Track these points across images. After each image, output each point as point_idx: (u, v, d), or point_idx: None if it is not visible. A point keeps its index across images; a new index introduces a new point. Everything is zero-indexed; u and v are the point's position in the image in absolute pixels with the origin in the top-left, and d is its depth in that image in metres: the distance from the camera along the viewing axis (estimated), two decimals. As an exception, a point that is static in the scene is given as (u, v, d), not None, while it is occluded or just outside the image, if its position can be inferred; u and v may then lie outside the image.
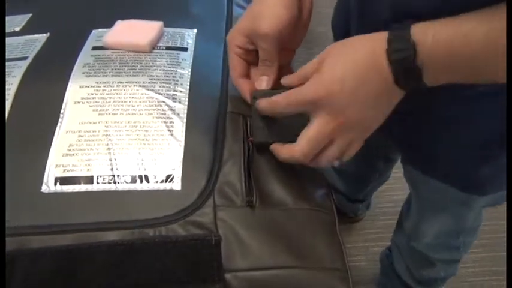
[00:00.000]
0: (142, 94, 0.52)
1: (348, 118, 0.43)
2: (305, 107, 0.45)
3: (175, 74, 0.55)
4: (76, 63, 0.55)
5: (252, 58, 0.52)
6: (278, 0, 0.49)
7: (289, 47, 0.54)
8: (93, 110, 0.50)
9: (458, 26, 0.39)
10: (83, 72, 0.54)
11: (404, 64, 0.41)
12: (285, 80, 0.49)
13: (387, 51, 0.41)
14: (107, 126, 0.49)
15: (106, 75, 0.54)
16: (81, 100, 0.51)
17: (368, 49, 0.43)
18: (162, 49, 0.58)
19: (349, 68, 0.43)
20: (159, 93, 0.52)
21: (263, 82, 0.52)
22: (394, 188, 1.31)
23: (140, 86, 0.53)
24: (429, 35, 0.39)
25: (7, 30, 0.62)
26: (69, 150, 0.47)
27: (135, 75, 0.54)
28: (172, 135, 0.49)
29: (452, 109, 0.54)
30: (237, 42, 0.51)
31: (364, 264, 1.27)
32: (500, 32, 0.36)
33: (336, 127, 0.44)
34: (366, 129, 0.46)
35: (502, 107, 0.52)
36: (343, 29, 0.64)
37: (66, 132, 0.49)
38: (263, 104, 0.48)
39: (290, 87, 0.47)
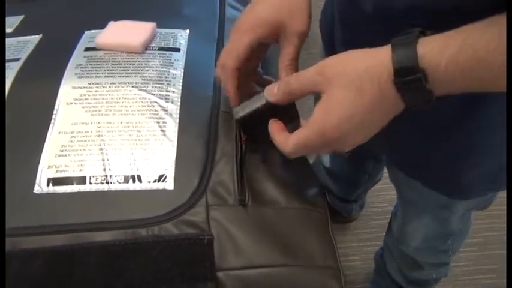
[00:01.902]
0: (135, 95, 0.52)
1: (348, 141, 0.43)
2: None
3: (168, 74, 0.55)
4: (68, 65, 0.55)
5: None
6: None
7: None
8: (86, 111, 0.50)
9: (464, 39, 0.37)
10: (76, 73, 0.54)
11: (415, 91, 0.39)
12: (271, 96, 0.47)
13: (395, 83, 0.39)
14: (99, 127, 0.49)
15: (99, 76, 0.54)
16: (74, 101, 0.51)
17: (374, 81, 0.40)
18: (155, 50, 0.58)
19: (356, 103, 0.41)
20: (151, 94, 0.52)
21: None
22: (388, 187, 1.32)
23: (133, 86, 0.53)
24: (442, 60, 0.38)
25: (-1, 31, 0.62)
26: (62, 151, 0.47)
27: (127, 76, 0.54)
28: (165, 135, 0.49)
29: (435, 117, 0.54)
30: (261, 33, 0.49)
31: (358, 264, 1.27)
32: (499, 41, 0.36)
33: (331, 142, 0.43)
34: (363, 139, 0.45)
35: (486, 116, 0.52)
36: (328, 29, 0.65)
37: (59, 133, 0.49)
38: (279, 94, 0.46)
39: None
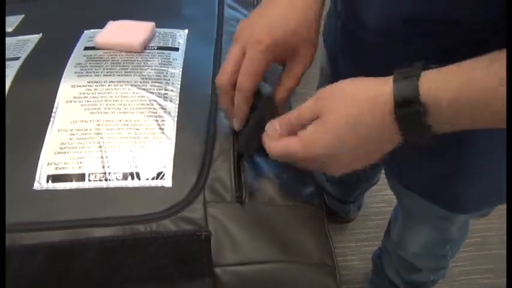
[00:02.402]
0: (134, 93, 0.53)
1: (337, 166, 0.43)
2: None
3: (167, 73, 0.55)
4: (68, 63, 0.56)
5: None
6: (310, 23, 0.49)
7: None
8: (85, 109, 0.51)
9: (466, 76, 0.37)
10: (75, 72, 0.54)
11: (414, 125, 0.39)
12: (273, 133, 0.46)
13: (395, 114, 0.39)
14: (98, 125, 0.50)
15: (98, 75, 0.54)
16: (73, 99, 0.52)
17: (373, 112, 0.40)
18: (154, 49, 0.59)
19: (351, 130, 0.41)
20: (150, 92, 0.53)
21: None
22: (386, 188, 1.31)
23: (132, 85, 0.53)
24: (443, 96, 0.37)
25: (-1, 30, 0.63)
26: (61, 148, 0.48)
27: (126, 75, 0.54)
28: (163, 133, 0.50)
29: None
30: (277, 52, 0.47)
31: (356, 264, 1.27)
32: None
33: (319, 161, 0.43)
34: (354, 167, 0.44)
35: (484, 135, 0.50)
36: (331, 39, 0.65)
37: (58, 130, 0.49)
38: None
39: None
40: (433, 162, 0.59)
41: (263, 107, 0.49)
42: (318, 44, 0.50)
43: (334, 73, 0.72)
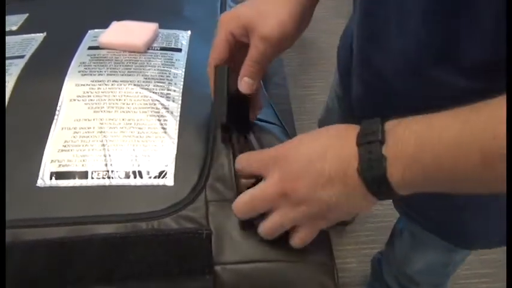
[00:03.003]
0: (137, 93, 0.53)
1: (297, 190, 0.40)
2: (259, 164, 0.44)
3: (169, 73, 0.56)
4: (72, 62, 0.56)
5: (236, 50, 0.51)
6: (286, 9, 0.48)
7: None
8: (89, 108, 0.52)
9: (431, 123, 0.36)
10: (79, 71, 0.55)
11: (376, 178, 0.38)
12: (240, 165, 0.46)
13: (358, 169, 0.38)
14: (101, 124, 0.50)
15: (101, 74, 0.55)
16: (77, 98, 0.52)
17: (339, 158, 0.39)
18: (157, 49, 0.59)
19: (315, 148, 0.41)
20: (153, 92, 0.53)
21: (247, 85, 0.49)
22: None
23: (135, 85, 0.54)
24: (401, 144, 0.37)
25: (4, 29, 0.64)
26: (65, 146, 0.49)
27: (130, 75, 0.55)
28: (165, 132, 0.50)
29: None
30: (233, 29, 0.49)
31: (355, 266, 1.28)
32: (473, 134, 0.34)
33: (280, 193, 0.41)
34: (317, 216, 0.42)
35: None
36: (345, 54, 0.65)
37: (62, 128, 0.50)
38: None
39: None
40: (439, 198, 0.59)
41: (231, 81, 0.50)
42: (279, 24, 0.48)
43: (345, 92, 0.71)
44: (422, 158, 0.36)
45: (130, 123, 0.51)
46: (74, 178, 0.47)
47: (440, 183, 0.38)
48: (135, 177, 0.47)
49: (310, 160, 0.40)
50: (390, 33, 0.47)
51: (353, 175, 0.38)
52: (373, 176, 0.37)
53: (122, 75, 0.55)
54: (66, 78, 0.54)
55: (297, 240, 0.44)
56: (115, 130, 0.50)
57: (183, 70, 0.57)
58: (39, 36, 0.62)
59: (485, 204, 0.57)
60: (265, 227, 0.43)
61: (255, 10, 0.48)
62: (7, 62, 0.57)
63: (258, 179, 0.44)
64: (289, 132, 0.59)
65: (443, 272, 0.86)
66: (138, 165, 0.48)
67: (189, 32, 0.63)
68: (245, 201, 0.44)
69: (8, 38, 0.61)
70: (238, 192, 0.47)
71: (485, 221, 0.59)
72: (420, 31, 0.44)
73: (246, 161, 0.45)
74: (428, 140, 0.36)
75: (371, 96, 0.57)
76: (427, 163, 0.36)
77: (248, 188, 0.44)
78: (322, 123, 0.87)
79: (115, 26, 0.61)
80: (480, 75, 0.42)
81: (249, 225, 0.45)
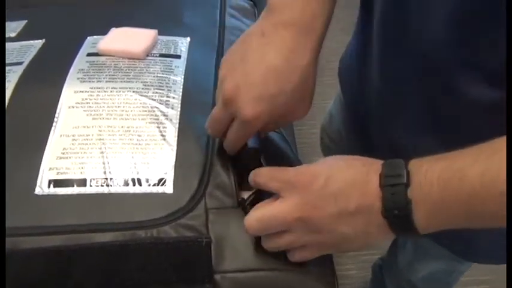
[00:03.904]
0: (136, 100, 0.53)
1: (317, 219, 0.40)
2: (282, 183, 0.42)
3: (169, 80, 0.56)
4: (71, 69, 0.56)
5: None
6: (311, 74, 0.45)
7: None
8: (87, 115, 0.51)
9: (453, 163, 0.36)
10: (78, 78, 0.55)
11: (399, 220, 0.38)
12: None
13: (382, 210, 0.38)
14: (100, 131, 0.50)
15: (100, 81, 0.55)
16: (76, 105, 0.52)
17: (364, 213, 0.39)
18: (156, 56, 0.59)
19: (341, 180, 0.40)
20: (152, 99, 0.53)
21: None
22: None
23: (134, 91, 0.54)
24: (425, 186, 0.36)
25: (2, 36, 0.63)
26: (63, 153, 0.48)
27: (129, 81, 0.55)
28: (164, 140, 0.50)
29: None
30: (264, 125, 0.45)
31: (354, 273, 1.27)
32: (497, 172, 0.33)
33: (298, 218, 0.40)
34: (330, 245, 0.42)
35: None
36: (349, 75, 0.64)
37: (61, 135, 0.50)
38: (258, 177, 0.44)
39: None
40: None
41: (247, 159, 0.48)
42: (313, 90, 0.47)
43: (350, 103, 0.71)
44: (446, 201, 0.36)
45: (129, 131, 0.50)
46: (73, 186, 0.46)
47: (468, 223, 0.37)
48: (134, 185, 0.47)
49: (335, 192, 0.39)
50: (409, 39, 0.47)
51: (377, 214, 0.38)
52: (398, 218, 0.37)
53: (121, 82, 0.55)
54: (65, 85, 0.54)
55: (298, 257, 0.43)
56: (114, 137, 0.50)
57: (182, 77, 0.57)
58: (38, 43, 0.61)
59: None
60: (274, 243, 0.42)
61: (291, 102, 0.44)
62: (6, 68, 0.57)
63: (258, 191, 0.43)
64: (288, 139, 0.59)
65: (446, 280, 0.86)
66: (137, 173, 0.47)
67: (188, 39, 0.63)
68: (259, 219, 0.42)
69: (6, 45, 0.61)
70: (238, 202, 0.47)
71: (494, 234, 0.59)
72: (441, 37, 0.43)
73: (268, 177, 0.43)
74: (452, 184, 0.35)
75: (384, 110, 0.57)
76: (451, 206, 0.36)
77: (248, 198, 0.44)
78: (324, 130, 0.87)
79: (114, 32, 0.61)
80: (498, 83, 0.41)
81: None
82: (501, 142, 0.34)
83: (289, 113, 0.46)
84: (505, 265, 0.36)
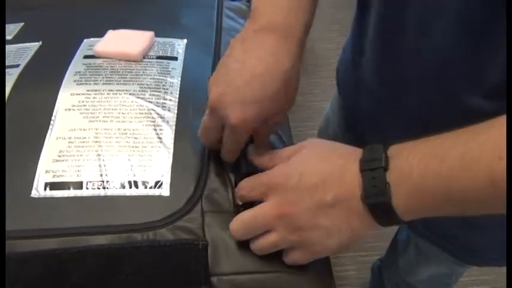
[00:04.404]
0: (133, 102, 0.53)
1: (296, 215, 0.40)
2: (261, 189, 0.43)
3: (165, 82, 0.56)
4: (67, 72, 0.56)
5: None
6: (294, 73, 0.45)
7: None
8: (84, 117, 0.51)
9: (434, 145, 0.36)
10: (74, 80, 0.55)
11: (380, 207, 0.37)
12: (258, 161, 0.47)
13: (361, 196, 0.38)
14: (97, 133, 0.50)
15: (97, 83, 0.55)
16: (72, 107, 0.52)
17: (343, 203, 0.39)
18: (153, 58, 0.59)
19: (318, 172, 0.40)
20: (149, 101, 0.53)
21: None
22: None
23: (130, 94, 0.54)
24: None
25: (-1, 38, 0.63)
26: (60, 156, 0.48)
27: (125, 84, 0.55)
28: (161, 142, 0.50)
29: None
30: (256, 127, 0.46)
31: (353, 274, 1.27)
32: (479, 155, 0.33)
33: (278, 215, 0.40)
34: (315, 242, 0.41)
35: None
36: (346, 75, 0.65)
37: (57, 138, 0.49)
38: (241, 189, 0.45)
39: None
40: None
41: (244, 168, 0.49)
42: (297, 89, 0.47)
43: (346, 108, 0.71)
44: (427, 183, 0.35)
45: (126, 133, 0.50)
46: (69, 188, 0.46)
47: (449, 208, 0.37)
48: (130, 187, 0.47)
49: (310, 187, 0.40)
50: (407, 44, 0.47)
51: (357, 202, 0.38)
52: (378, 203, 0.37)
53: (118, 84, 0.55)
54: (61, 88, 0.54)
55: (290, 260, 0.43)
56: (110, 140, 0.50)
57: (179, 79, 0.57)
58: (35, 46, 0.61)
59: (496, 221, 0.56)
60: (259, 244, 0.43)
61: (280, 100, 0.45)
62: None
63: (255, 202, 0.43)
64: (285, 140, 0.58)
65: (446, 282, 0.86)
66: (134, 175, 0.47)
67: (185, 41, 0.62)
68: (242, 222, 0.43)
69: (3, 47, 0.61)
70: (234, 207, 0.46)
71: (493, 237, 0.59)
72: (439, 42, 0.43)
73: (248, 188, 0.44)
74: (432, 165, 0.35)
75: (381, 111, 0.57)
76: (432, 188, 0.35)
77: (243, 205, 0.44)
78: (321, 134, 0.87)
79: (110, 34, 0.61)
80: (497, 96, 0.41)
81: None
82: (482, 126, 0.34)
83: (275, 115, 0.46)
84: (505, 266, 0.36)
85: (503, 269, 0.38)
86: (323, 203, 0.39)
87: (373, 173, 0.37)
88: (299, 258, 0.43)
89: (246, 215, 0.43)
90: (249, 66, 0.44)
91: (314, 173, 0.40)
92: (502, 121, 0.33)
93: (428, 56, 0.45)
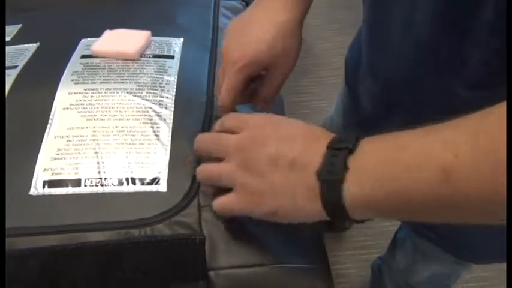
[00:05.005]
0: (130, 100, 0.53)
1: (256, 153, 0.40)
2: (236, 121, 0.45)
3: (162, 80, 0.56)
4: (65, 71, 0.56)
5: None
6: (295, 37, 0.52)
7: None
8: (82, 116, 0.52)
9: (402, 136, 0.36)
10: (72, 80, 0.55)
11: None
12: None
13: (317, 170, 0.37)
14: (94, 131, 0.50)
15: (94, 82, 0.55)
16: (70, 106, 0.53)
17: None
18: (150, 57, 0.59)
19: (296, 129, 0.42)
20: (146, 100, 0.54)
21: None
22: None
23: (128, 92, 0.54)
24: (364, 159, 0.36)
25: (-2, 40, 0.64)
26: (58, 154, 0.49)
27: (122, 82, 0.55)
28: (158, 139, 0.50)
29: None
30: (253, 69, 0.51)
31: (353, 272, 1.28)
32: (442, 147, 0.32)
33: (239, 147, 0.42)
34: (256, 192, 0.40)
35: None
36: (353, 65, 0.66)
37: (55, 137, 0.50)
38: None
39: None
40: None
41: None
42: (297, 51, 0.53)
43: (353, 100, 0.71)
44: (381, 176, 0.35)
45: (123, 131, 0.51)
46: (67, 186, 0.47)
47: (402, 205, 0.35)
48: (128, 184, 0.47)
49: (282, 137, 0.40)
50: (394, 41, 0.48)
51: (312, 174, 0.37)
52: (329, 181, 0.36)
53: (115, 83, 0.55)
54: (59, 87, 0.54)
55: (219, 202, 0.43)
56: (108, 138, 0.50)
57: (176, 77, 0.57)
58: (33, 47, 0.62)
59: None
60: (209, 168, 0.44)
61: (275, 50, 0.51)
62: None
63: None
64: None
65: (445, 283, 0.86)
66: (131, 172, 0.48)
67: (181, 39, 0.63)
68: (205, 140, 0.46)
69: (1, 49, 0.62)
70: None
71: (491, 234, 0.59)
72: (424, 38, 0.44)
73: (230, 116, 0.46)
74: (387, 159, 0.35)
75: (377, 108, 0.57)
76: (385, 181, 0.34)
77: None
78: None
79: (108, 34, 0.61)
80: (482, 86, 0.41)
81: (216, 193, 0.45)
82: (458, 120, 0.33)
83: (273, 67, 0.52)
84: (505, 262, 0.36)
85: (503, 265, 0.38)
86: (284, 158, 0.39)
87: (337, 151, 0.37)
88: (230, 201, 0.42)
89: (212, 133, 0.46)
90: (252, 20, 0.52)
91: (292, 127, 0.41)
92: (463, 120, 0.32)
93: (411, 48, 0.46)
